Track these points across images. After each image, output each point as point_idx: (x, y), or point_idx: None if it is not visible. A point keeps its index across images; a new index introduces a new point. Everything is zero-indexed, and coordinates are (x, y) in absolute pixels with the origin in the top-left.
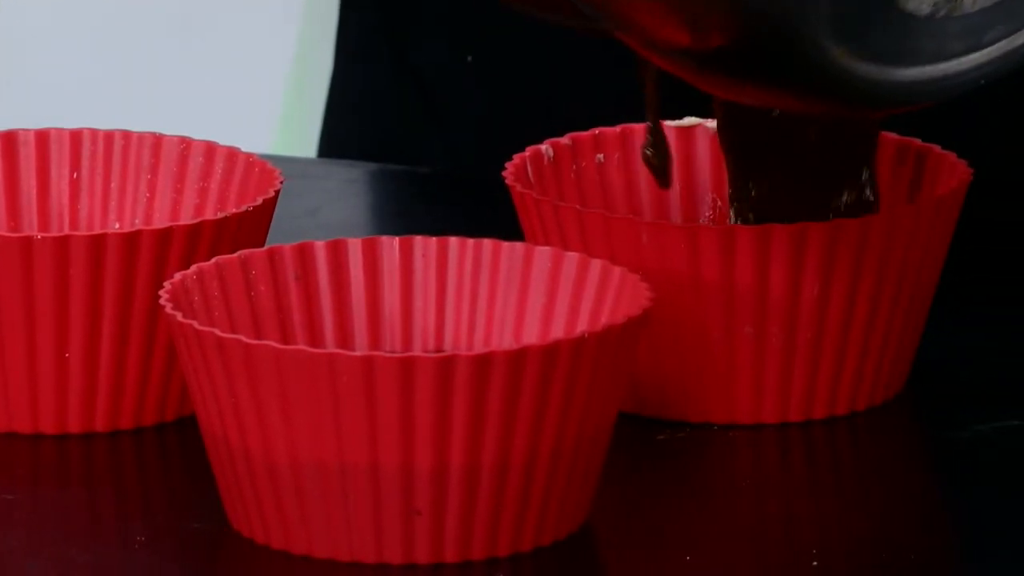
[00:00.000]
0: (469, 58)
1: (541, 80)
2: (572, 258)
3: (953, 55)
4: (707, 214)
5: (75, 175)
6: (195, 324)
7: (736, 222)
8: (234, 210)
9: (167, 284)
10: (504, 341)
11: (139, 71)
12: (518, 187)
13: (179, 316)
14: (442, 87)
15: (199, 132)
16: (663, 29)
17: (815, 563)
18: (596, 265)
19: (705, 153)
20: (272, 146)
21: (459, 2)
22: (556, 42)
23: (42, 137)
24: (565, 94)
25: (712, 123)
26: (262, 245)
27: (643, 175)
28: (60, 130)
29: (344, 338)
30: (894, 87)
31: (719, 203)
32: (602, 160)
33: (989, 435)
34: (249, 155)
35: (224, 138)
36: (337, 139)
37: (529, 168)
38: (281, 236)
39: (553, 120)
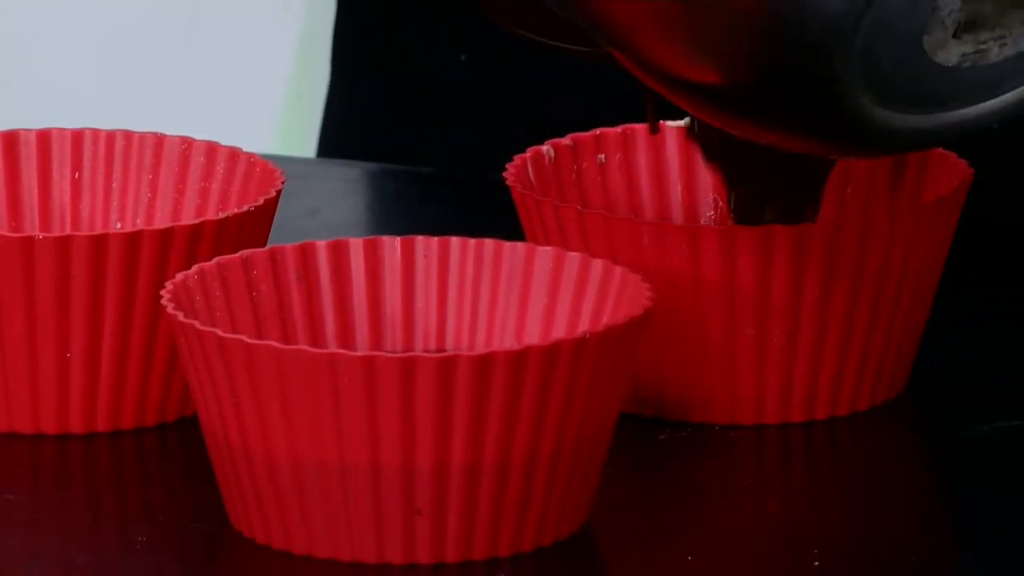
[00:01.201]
0: (463, 56)
1: (542, 80)
2: (573, 258)
3: (972, 102)
4: (708, 214)
5: (76, 175)
6: (196, 324)
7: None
8: (235, 210)
9: (168, 284)
10: (505, 341)
11: (140, 71)
12: (518, 188)
13: (180, 316)
14: (442, 87)
15: (200, 132)
16: (679, 63)
17: (816, 563)
18: (597, 265)
19: None
20: (273, 146)
21: (459, 1)
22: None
23: (43, 137)
24: (566, 94)
25: None
26: (263, 245)
27: (644, 175)
28: (61, 130)
29: (345, 338)
30: (911, 133)
31: (720, 203)
32: (603, 160)
33: (990, 435)
34: (250, 155)
35: (225, 138)
36: (335, 140)
37: (530, 169)
38: (282, 236)
39: (554, 120)
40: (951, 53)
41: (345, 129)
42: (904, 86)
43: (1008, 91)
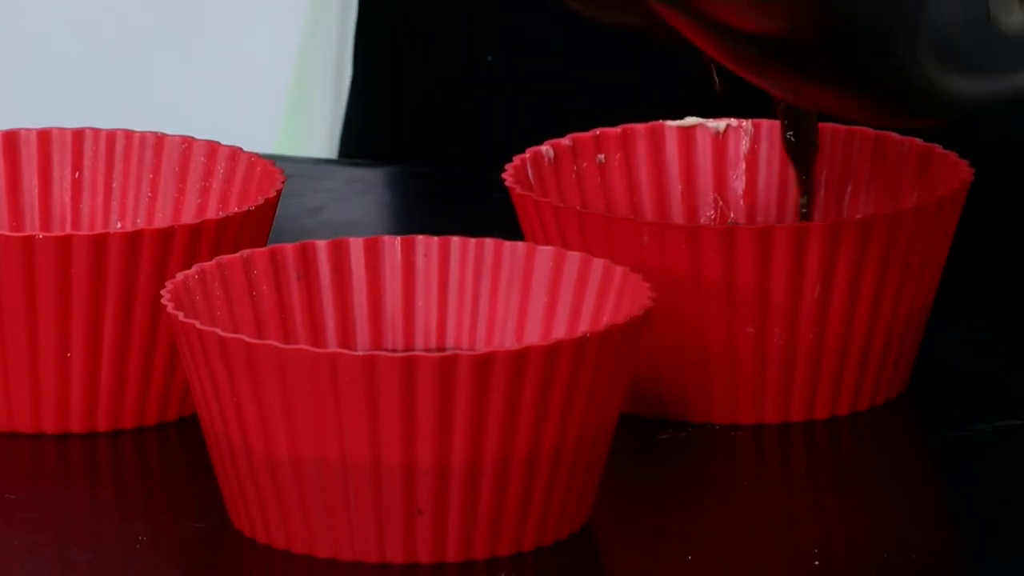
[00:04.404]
0: (489, 57)
1: (542, 80)
2: (574, 257)
3: None
4: (708, 214)
5: (77, 175)
6: (197, 324)
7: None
8: (236, 210)
9: (169, 284)
10: (506, 340)
11: (141, 70)
12: (518, 189)
13: (181, 316)
14: (443, 87)
15: (201, 131)
16: (739, 11)
17: (816, 563)
18: (598, 265)
19: (705, 153)
20: (274, 146)
21: (463, 3)
22: (557, 42)
23: (44, 137)
24: (566, 94)
25: (712, 123)
26: (264, 245)
27: (644, 175)
28: (62, 130)
29: (346, 338)
30: (970, 99)
31: (720, 203)
32: (603, 161)
33: (990, 435)
34: (251, 155)
35: (226, 137)
36: (359, 141)
37: (529, 169)
38: (283, 236)
39: (554, 120)
40: (1016, 18)
41: (368, 129)
42: (968, 50)
43: None
